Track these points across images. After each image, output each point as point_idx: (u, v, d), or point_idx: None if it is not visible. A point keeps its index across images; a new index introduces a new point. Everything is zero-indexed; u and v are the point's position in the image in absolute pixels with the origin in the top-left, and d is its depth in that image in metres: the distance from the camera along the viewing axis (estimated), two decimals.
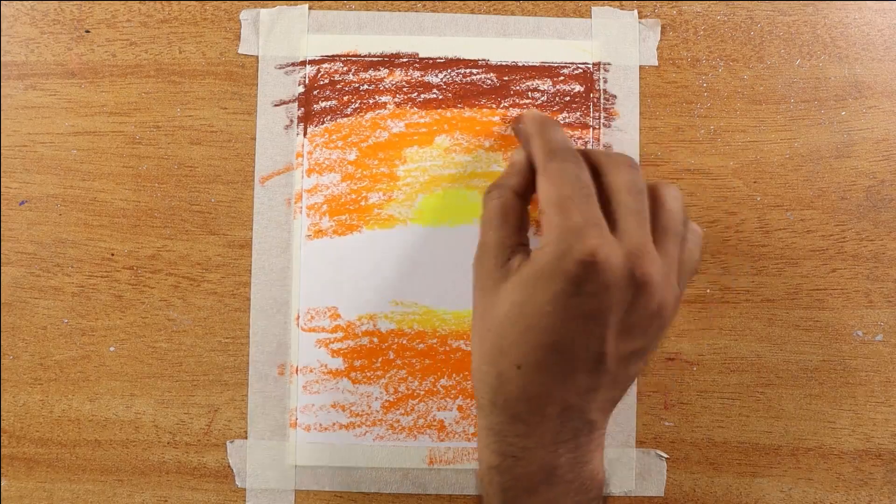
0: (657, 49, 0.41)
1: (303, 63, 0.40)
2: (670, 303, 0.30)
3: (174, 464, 0.40)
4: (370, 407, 0.39)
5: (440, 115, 0.40)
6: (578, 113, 0.40)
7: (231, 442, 0.40)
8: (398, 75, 0.40)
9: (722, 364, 0.40)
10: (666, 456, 0.40)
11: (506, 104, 0.40)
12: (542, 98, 0.40)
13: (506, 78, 0.40)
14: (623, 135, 0.40)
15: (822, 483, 0.40)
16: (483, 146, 0.40)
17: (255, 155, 0.40)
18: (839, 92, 0.40)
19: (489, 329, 0.30)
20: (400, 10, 0.40)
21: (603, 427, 0.31)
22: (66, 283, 0.40)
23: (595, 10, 0.41)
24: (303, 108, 0.40)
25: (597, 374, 0.29)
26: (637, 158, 0.40)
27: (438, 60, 0.40)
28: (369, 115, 0.40)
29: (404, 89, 0.40)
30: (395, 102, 0.40)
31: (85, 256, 0.40)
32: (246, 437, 0.40)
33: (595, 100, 0.40)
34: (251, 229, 0.40)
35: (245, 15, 0.40)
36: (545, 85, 0.40)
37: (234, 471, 0.39)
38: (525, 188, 0.33)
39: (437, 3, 0.41)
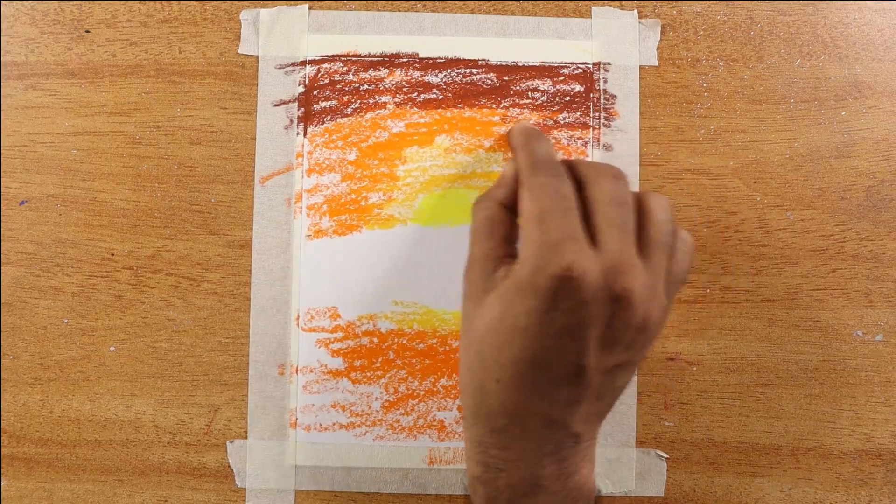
0: (657, 49, 0.41)
1: (303, 63, 0.40)
2: (655, 315, 0.29)
3: (174, 464, 0.40)
4: (370, 407, 0.39)
5: (440, 115, 0.40)
6: (578, 113, 0.40)
7: (231, 442, 0.40)
8: (398, 75, 0.40)
9: (722, 364, 0.40)
10: (666, 456, 0.40)
11: (506, 104, 0.40)
12: (542, 98, 0.40)
13: (506, 78, 0.40)
14: (623, 135, 0.40)
15: (822, 483, 0.40)
16: (483, 146, 0.40)
17: (255, 155, 0.40)
18: (839, 92, 0.40)
19: (471, 342, 0.30)
20: (400, 10, 0.40)
21: (590, 439, 0.31)
22: (66, 283, 0.40)
23: (595, 10, 0.41)
24: (303, 108, 0.40)
25: (578, 388, 0.29)
26: (637, 158, 0.40)
27: (438, 60, 0.40)
28: (369, 115, 0.40)
29: (404, 89, 0.40)
30: (395, 102, 0.40)
31: (85, 256, 0.40)
32: (246, 437, 0.40)
33: (595, 100, 0.40)
34: (251, 229, 0.40)
35: (245, 15, 0.40)
36: (545, 85, 0.40)
37: (234, 471, 0.39)
38: (513, 200, 0.32)
39: (437, 3, 0.41)
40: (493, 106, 0.40)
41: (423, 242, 0.40)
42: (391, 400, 0.39)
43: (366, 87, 0.40)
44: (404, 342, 0.40)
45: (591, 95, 0.40)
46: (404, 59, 0.40)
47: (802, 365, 0.40)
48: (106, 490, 0.40)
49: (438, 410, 0.39)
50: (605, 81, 0.40)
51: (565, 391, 0.29)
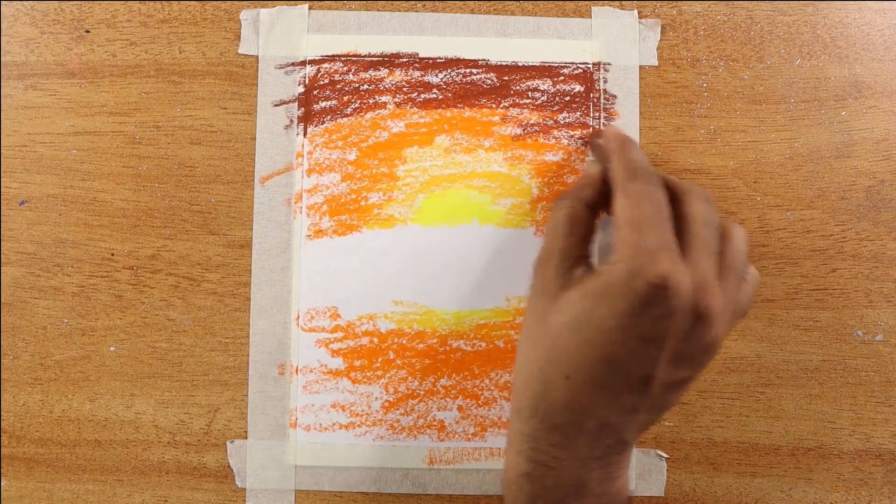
0: (657, 49, 0.41)
1: (303, 63, 0.40)
2: (723, 338, 0.30)
3: (174, 464, 0.40)
4: (370, 407, 0.39)
5: (440, 115, 0.40)
6: (578, 113, 0.40)
7: (231, 442, 0.40)
8: (398, 75, 0.40)
9: (722, 364, 0.40)
10: (666, 456, 0.40)
11: (506, 104, 0.40)
12: (542, 98, 0.40)
13: (506, 78, 0.40)
14: None
15: (822, 483, 0.40)
16: (483, 146, 0.40)
17: (255, 155, 0.40)
18: (839, 92, 0.40)
19: (544, 336, 0.30)
20: (400, 10, 0.40)
21: (632, 447, 0.32)
22: (66, 283, 0.40)
23: (595, 10, 0.41)
24: (303, 108, 0.40)
25: (641, 397, 0.29)
26: None
27: (438, 60, 0.40)
28: (369, 115, 0.40)
29: (404, 89, 0.40)
30: (395, 102, 0.40)
31: (85, 256, 0.40)
32: (246, 437, 0.40)
33: (595, 100, 0.40)
34: (251, 229, 0.40)
35: (245, 15, 0.40)
36: (545, 85, 0.40)
37: (234, 471, 0.39)
38: (595, 202, 0.33)
39: (437, 3, 0.41)
40: (493, 106, 0.40)
41: (424, 242, 0.40)
42: (391, 400, 0.39)
43: (366, 87, 0.40)
44: (404, 342, 0.40)
45: (591, 95, 0.40)
46: (404, 59, 0.40)
47: (802, 365, 0.40)
48: (106, 490, 0.40)
49: (438, 410, 0.39)
50: (605, 81, 0.40)
51: (629, 398, 0.29)
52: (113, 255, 0.40)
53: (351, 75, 0.40)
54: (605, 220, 0.35)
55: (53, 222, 0.40)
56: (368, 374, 0.39)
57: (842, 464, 0.40)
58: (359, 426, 0.39)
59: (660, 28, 0.41)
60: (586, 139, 0.40)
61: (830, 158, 0.40)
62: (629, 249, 0.28)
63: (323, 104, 0.40)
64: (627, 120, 0.40)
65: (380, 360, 0.40)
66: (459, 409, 0.40)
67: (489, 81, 0.40)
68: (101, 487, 0.40)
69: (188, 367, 0.40)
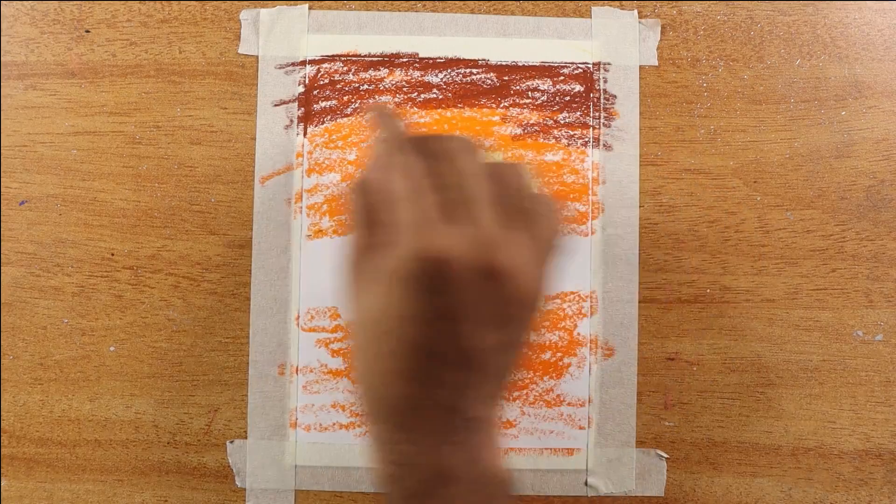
0: (657, 49, 0.41)
1: (303, 63, 0.40)
2: (531, 285, 0.29)
3: (174, 464, 0.40)
4: None
5: (440, 115, 0.40)
6: (578, 113, 0.40)
7: (231, 442, 0.40)
8: (398, 75, 0.40)
9: (722, 364, 0.40)
10: (666, 456, 0.40)
11: (506, 104, 0.40)
12: (542, 98, 0.40)
13: (506, 78, 0.40)
14: (623, 135, 0.40)
15: (822, 483, 0.40)
16: (483, 146, 0.40)
17: (255, 155, 0.40)
18: (839, 92, 0.40)
19: (362, 334, 0.29)
20: (400, 10, 0.40)
21: (489, 422, 0.30)
22: (66, 283, 0.40)
23: (595, 10, 0.41)
24: (303, 108, 0.40)
25: (465, 371, 0.28)
26: (637, 158, 0.40)
27: (438, 60, 0.40)
28: (369, 115, 0.40)
29: (404, 89, 0.40)
30: (395, 102, 0.40)
31: (85, 256, 0.40)
32: (246, 437, 0.39)
33: (595, 100, 0.40)
34: (251, 229, 0.40)
35: (245, 15, 0.40)
36: (545, 85, 0.40)
37: (234, 471, 0.39)
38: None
39: (437, 3, 0.41)
40: (493, 106, 0.40)
41: None
42: None
43: (366, 87, 0.40)
44: None
45: (591, 95, 0.40)
46: (404, 59, 0.40)
47: (802, 365, 0.40)
48: (106, 490, 0.40)
49: None
50: (605, 81, 0.40)
51: (456, 376, 0.28)
52: (113, 255, 0.40)
53: (351, 75, 0.40)
54: None
55: (53, 222, 0.40)
56: None
57: (842, 464, 0.40)
58: (359, 426, 0.39)
59: (660, 28, 0.40)
60: (364, 117, 0.39)
61: (830, 158, 0.40)
62: (398, 230, 0.28)
63: (323, 104, 0.40)
64: (627, 120, 0.40)
65: None
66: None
67: (489, 81, 0.40)
68: (101, 487, 0.40)
69: (188, 367, 0.40)
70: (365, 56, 0.40)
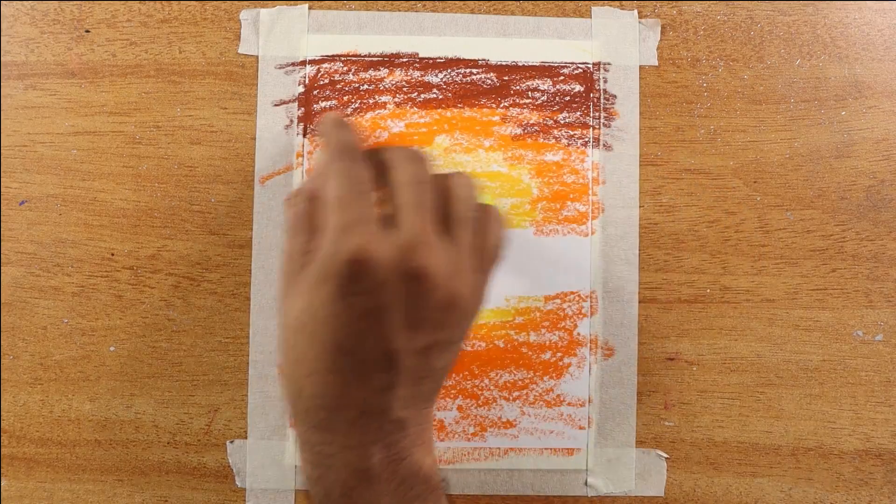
0: (657, 49, 0.41)
1: (303, 63, 0.40)
2: (464, 291, 0.29)
3: (174, 464, 0.40)
4: None
5: (440, 115, 0.40)
6: (578, 113, 0.40)
7: (231, 442, 0.40)
8: (398, 75, 0.40)
9: (722, 364, 0.40)
10: (666, 456, 0.40)
11: (506, 104, 0.40)
12: (542, 98, 0.40)
13: (506, 78, 0.40)
14: (623, 135, 0.40)
15: (822, 483, 0.40)
16: (483, 146, 0.40)
17: (255, 155, 0.40)
18: (839, 92, 0.40)
19: (285, 339, 0.29)
20: (400, 10, 0.40)
21: (420, 422, 0.31)
22: (66, 283, 0.40)
23: (595, 10, 0.41)
24: (303, 108, 0.40)
25: (390, 372, 0.28)
26: (637, 158, 0.40)
27: (438, 60, 0.40)
28: (369, 115, 0.40)
29: (404, 89, 0.40)
30: (395, 102, 0.40)
31: (85, 256, 0.40)
32: (246, 437, 0.39)
33: (595, 100, 0.40)
34: (251, 229, 0.40)
35: (245, 15, 0.40)
36: (545, 85, 0.40)
37: (234, 471, 0.39)
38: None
39: (437, 3, 0.41)
40: (493, 106, 0.40)
41: None
42: None
43: (366, 87, 0.40)
44: None
45: (591, 95, 0.40)
46: (404, 59, 0.40)
47: (802, 365, 0.40)
48: (106, 490, 0.40)
49: (438, 410, 0.39)
50: (605, 81, 0.40)
51: (377, 377, 0.28)
52: (113, 255, 0.40)
53: (351, 75, 0.40)
54: None
55: (53, 222, 0.40)
56: None
57: (842, 464, 0.40)
58: None
59: (660, 28, 0.41)
60: (315, 128, 0.40)
61: (830, 158, 0.40)
62: (328, 232, 0.28)
63: (323, 104, 0.40)
64: (627, 120, 0.40)
65: None
66: (459, 408, 0.39)
67: (489, 81, 0.40)
68: (101, 487, 0.40)
69: (188, 367, 0.40)
70: (365, 56, 0.40)
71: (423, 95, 0.40)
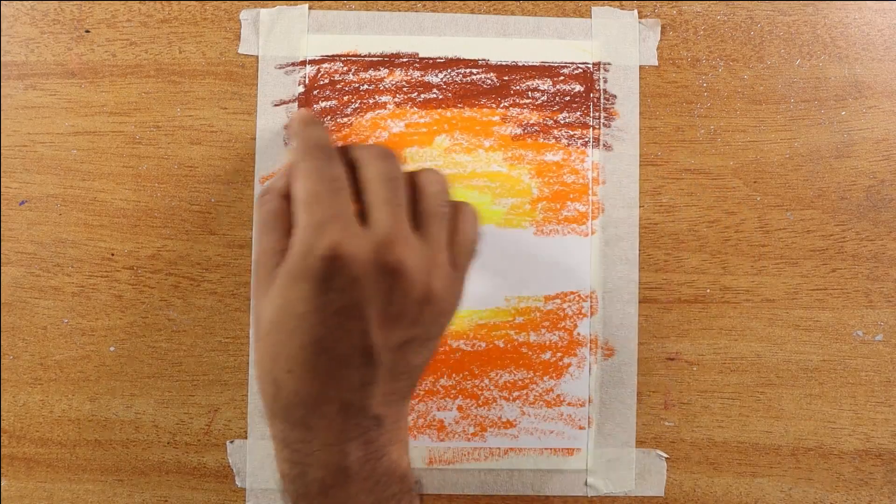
0: (657, 49, 0.41)
1: (303, 63, 0.40)
2: (440, 286, 0.29)
3: (174, 464, 0.40)
4: None
5: (440, 115, 0.40)
6: (578, 113, 0.40)
7: (231, 442, 0.40)
8: (398, 75, 0.40)
9: (722, 364, 0.40)
10: (666, 456, 0.40)
11: (506, 104, 0.40)
12: (542, 98, 0.40)
13: (506, 78, 0.40)
14: (623, 135, 0.40)
15: (822, 483, 0.40)
16: (483, 146, 0.40)
17: (255, 155, 0.40)
18: (839, 92, 0.40)
19: (260, 337, 0.29)
20: (400, 10, 0.40)
21: (395, 420, 0.31)
22: (66, 283, 0.40)
23: (595, 10, 0.41)
24: (303, 108, 0.40)
25: (368, 368, 0.29)
26: (637, 158, 0.40)
27: (438, 60, 0.40)
28: (369, 115, 0.40)
29: (404, 89, 0.40)
30: (395, 102, 0.40)
31: (85, 256, 0.40)
32: (246, 437, 0.39)
33: (595, 100, 0.40)
34: (251, 229, 0.40)
35: (245, 15, 0.40)
36: (545, 85, 0.40)
37: (234, 471, 0.39)
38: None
39: (437, 3, 0.41)
40: (493, 106, 0.40)
41: None
42: None
43: (366, 87, 0.40)
44: None
45: (591, 95, 0.40)
46: (404, 59, 0.40)
47: (802, 365, 0.40)
48: (106, 490, 0.40)
49: (438, 410, 0.39)
50: (605, 81, 0.40)
51: (356, 373, 0.29)
52: (113, 255, 0.40)
53: (351, 75, 0.40)
54: None
55: (53, 222, 0.40)
56: None
57: (842, 464, 0.40)
58: None
59: (660, 28, 0.41)
60: (286, 125, 0.40)
61: (830, 158, 0.40)
62: (301, 229, 0.28)
63: (323, 104, 0.40)
64: (627, 120, 0.40)
65: None
66: (459, 408, 0.40)
67: (489, 81, 0.40)
68: (101, 487, 0.40)
69: (188, 367, 0.40)
70: (365, 56, 0.40)
71: (423, 95, 0.40)
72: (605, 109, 0.40)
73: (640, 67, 0.40)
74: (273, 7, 0.40)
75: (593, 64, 0.40)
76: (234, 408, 0.40)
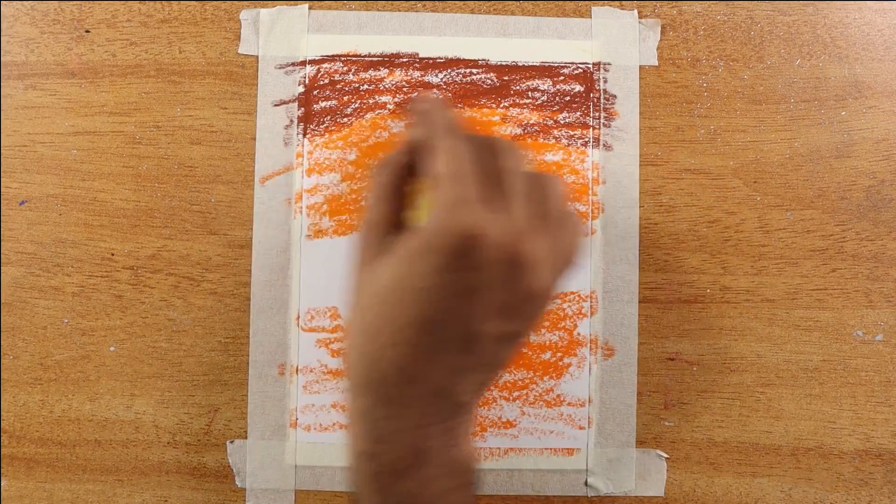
0: (657, 49, 0.41)
1: (303, 63, 0.40)
2: (546, 286, 0.29)
3: (174, 464, 0.40)
4: None
5: None
6: (578, 113, 0.40)
7: (231, 442, 0.40)
8: (398, 75, 0.40)
9: (722, 364, 0.40)
10: (666, 456, 0.40)
11: (506, 104, 0.40)
12: (542, 98, 0.40)
13: (506, 78, 0.40)
14: (623, 135, 0.40)
15: (822, 483, 0.40)
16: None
17: (255, 155, 0.40)
18: (839, 92, 0.40)
19: (368, 305, 0.29)
20: (400, 10, 0.40)
21: (472, 411, 0.31)
22: (66, 283, 0.40)
23: (595, 10, 0.41)
24: (303, 108, 0.40)
25: (467, 355, 0.29)
26: (637, 158, 0.40)
27: (438, 60, 0.40)
28: (369, 115, 0.40)
29: (404, 89, 0.40)
30: (395, 102, 0.40)
31: (85, 256, 0.40)
32: (246, 437, 0.40)
33: (595, 100, 0.40)
34: (251, 229, 0.40)
35: (245, 15, 0.40)
36: (545, 85, 0.40)
37: (234, 471, 0.39)
38: (412, 167, 0.33)
39: (437, 3, 0.41)
40: (493, 106, 0.40)
41: None
42: None
43: (366, 87, 0.40)
44: None
45: (591, 95, 0.40)
46: (404, 59, 0.40)
47: (802, 365, 0.40)
48: (106, 490, 0.40)
49: None
50: (605, 81, 0.40)
51: (457, 358, 0.29)
52: (113, 255, 0.40)
53: (351, 75, 0.40)
54: None
55: (53, 222, 0.40)
56: None
57: (842, 464, 0.40)
58: None
59: (660, 28, 0.41)
60: (409, 105, 0.40)
61: (830, 158, 0.40)
62: (441, 205, 0.28)
63: (323, 104, 0.40)
64: (627, 120, 0.40)
65: None
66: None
67: (489, 81, 0.40)
68: (101, 487, 0.40)
69: (188, 367, 0.40)
70: (365, 56, 0.40)
71: None
72: (605, 109, 0.40)
73: (640, 67, 0.40)
74: (273, 7, 0.40)
75: (593, 64, 0.40)
76: (234, 408, 0.40)
